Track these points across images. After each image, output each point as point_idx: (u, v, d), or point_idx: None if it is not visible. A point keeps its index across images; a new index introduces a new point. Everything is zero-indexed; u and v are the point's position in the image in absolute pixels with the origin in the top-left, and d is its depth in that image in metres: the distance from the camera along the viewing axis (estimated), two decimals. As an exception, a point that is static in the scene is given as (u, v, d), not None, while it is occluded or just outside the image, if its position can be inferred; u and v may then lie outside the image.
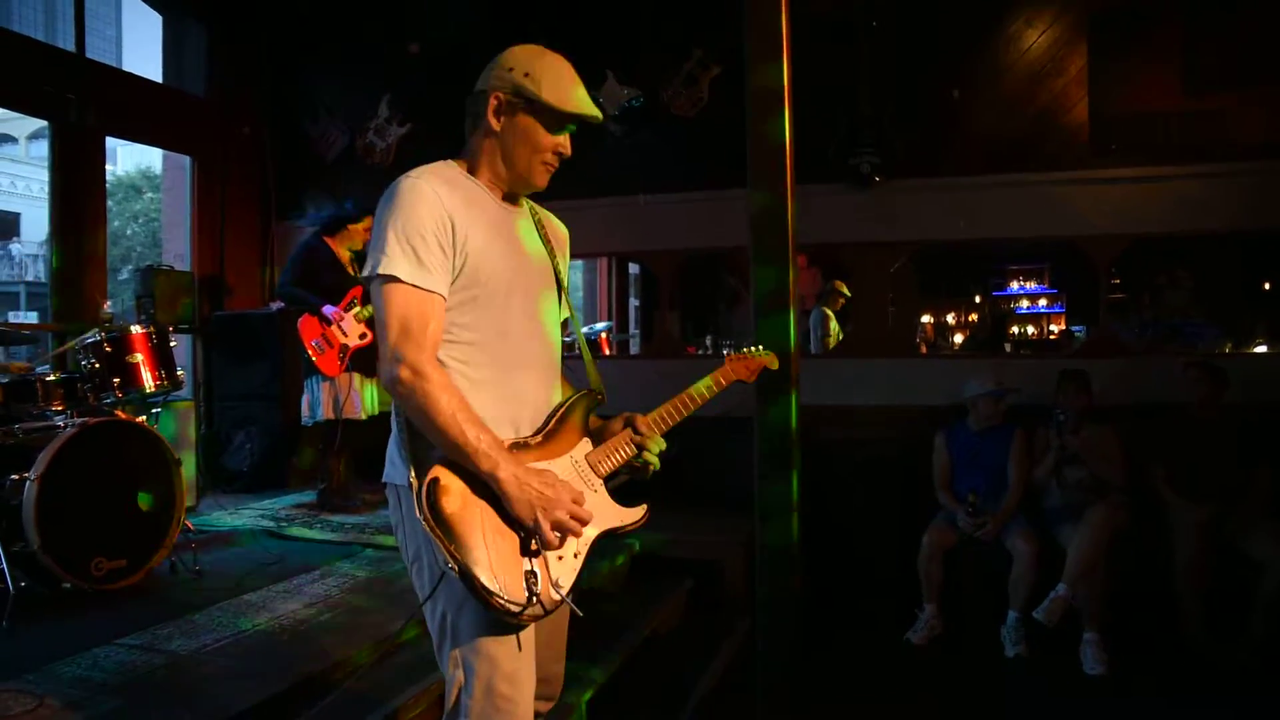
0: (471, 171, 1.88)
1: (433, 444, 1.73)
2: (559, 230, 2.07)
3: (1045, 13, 5.12)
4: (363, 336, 4.77)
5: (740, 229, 4.09)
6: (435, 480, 1.66)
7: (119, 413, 3.75)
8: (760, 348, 2.27)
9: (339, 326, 4.73)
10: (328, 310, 4.71)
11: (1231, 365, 4.54)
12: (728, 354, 2.25)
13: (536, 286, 1.91)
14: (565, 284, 2.02)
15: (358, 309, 4.77)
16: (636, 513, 1.91)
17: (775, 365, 2.25)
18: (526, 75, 1.79)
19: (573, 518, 1.71)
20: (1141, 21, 4.98)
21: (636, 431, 1.89)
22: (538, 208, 2.04)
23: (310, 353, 4.72)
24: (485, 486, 1.68)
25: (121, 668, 2.71)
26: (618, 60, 5.70)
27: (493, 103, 1.82)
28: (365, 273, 1.75)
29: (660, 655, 3.83)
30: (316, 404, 4.77)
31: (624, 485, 1.94)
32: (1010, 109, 5.18)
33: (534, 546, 1.71)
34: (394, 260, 1.69)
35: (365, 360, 4.88)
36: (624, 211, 5.83)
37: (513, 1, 5.58)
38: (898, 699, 3.93)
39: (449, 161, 1.88)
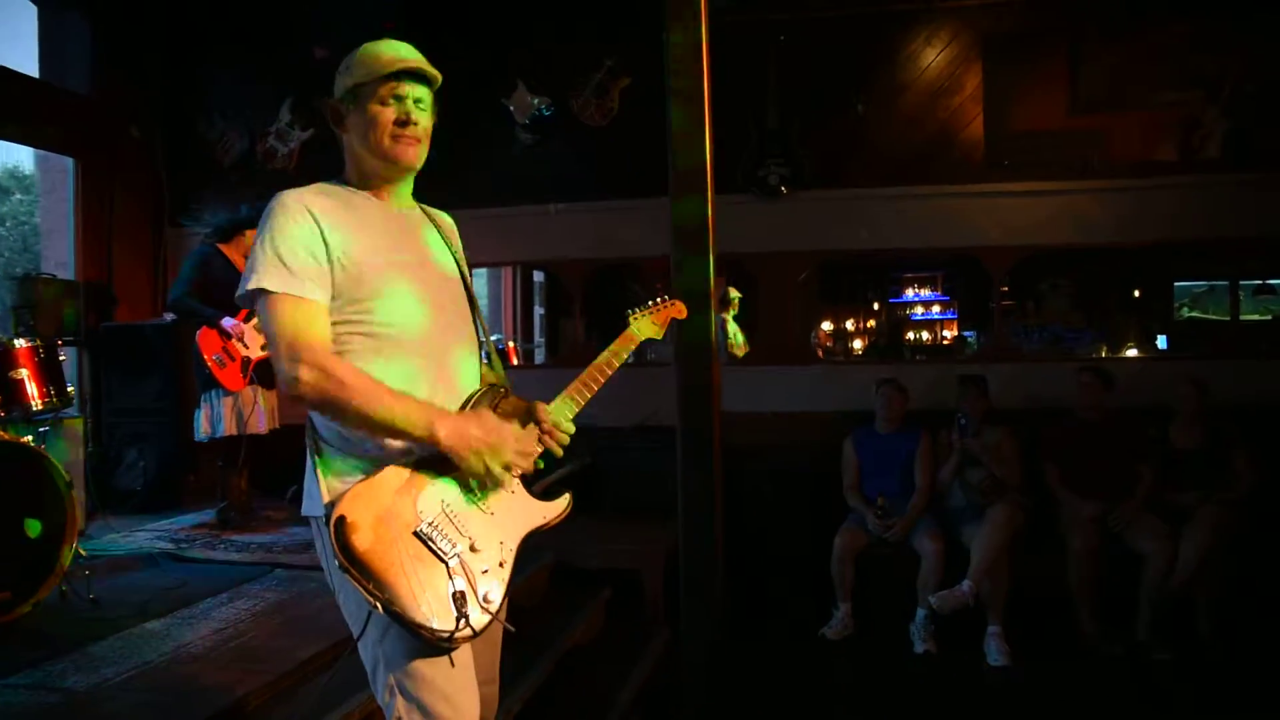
0: (350, 183, 1.88)
1: (347, 461, 1.72)
2: (448, 222, 2.05)
3: (943, 32, 5.35)
4: (264, 348, 4.61)
5: (650, 239, 4.12)
6: (342, 519, 1.60)
7: (1, 433, 3.50)
8: (664, 298, 2.17)
9: (240, 339, 4.56)
10: (227, 323, 4.53)
11: (1109, 369, 4.81)
12: (631, 313, 2.11)
13: (438, 288, 1.87)
14: (470, 282, 1.99)
15: (257, 319, 4.61)
16: (559, 505, 1.88)
17: (684, 314, 2.19)
18: (346, 71, 1.85)
19: (520, 454, 1.74)
20: (1030, 44, 5.26)
21: (538, 421, 1.86)
22: (428, 208, 2.01)
23: (211, 367, 4.53)
24: (396, 514, 1.64)
25: (10, 710, 2.51)
26: (528, 68, 5.66)
27: (330, 114, 1.89)
28: (239, 293, 1.74)
29: (583, 666, 3.81)
30: (218, 419, 4.57)
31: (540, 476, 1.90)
32: (911, 124, 5.38)
33: (454, 567, 1.66)
34: (266, 274, 1.69)
35: (267, 372, 4.73)
36: (534, 220, 5.79)
37: (423, 7, 5.48)
38: (814, 695, 4.03)
39: (330, 181, 1.88)
